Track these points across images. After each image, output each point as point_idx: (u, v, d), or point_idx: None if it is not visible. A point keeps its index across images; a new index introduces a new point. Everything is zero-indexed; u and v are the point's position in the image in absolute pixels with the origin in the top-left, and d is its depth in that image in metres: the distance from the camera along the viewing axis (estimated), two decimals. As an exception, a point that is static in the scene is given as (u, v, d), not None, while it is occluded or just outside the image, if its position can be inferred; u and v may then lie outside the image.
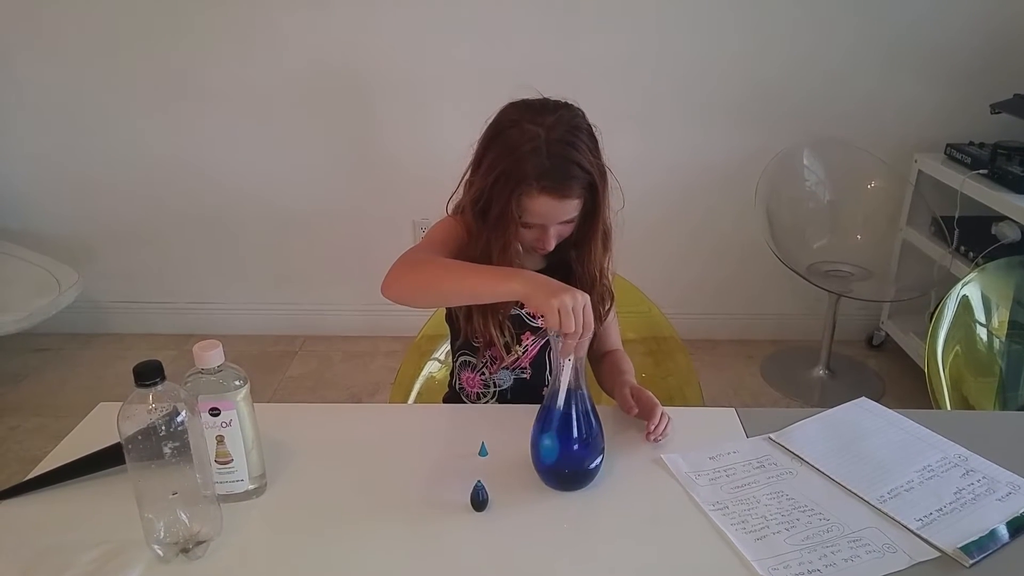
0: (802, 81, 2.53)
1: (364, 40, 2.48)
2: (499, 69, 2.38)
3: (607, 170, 1.15)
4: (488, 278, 1.04)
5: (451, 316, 1.31)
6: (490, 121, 1.16)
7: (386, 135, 2.63)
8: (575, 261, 1.24)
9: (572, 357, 0.95)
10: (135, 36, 2.48)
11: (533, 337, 1.26)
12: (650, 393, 1.14)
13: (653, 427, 1.08)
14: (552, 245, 1.17)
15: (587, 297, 0.95)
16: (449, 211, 1.25)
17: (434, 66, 2.51)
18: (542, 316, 0.96)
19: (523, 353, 1.27)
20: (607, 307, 1.29)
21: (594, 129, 1.15)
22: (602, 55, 2.48)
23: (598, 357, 1.36)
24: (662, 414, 1.10)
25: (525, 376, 1.29)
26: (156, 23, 2.46)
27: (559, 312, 0.92)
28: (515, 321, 1.24)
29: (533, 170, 1.08)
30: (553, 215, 1.13)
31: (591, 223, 1.18)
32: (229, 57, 2.51)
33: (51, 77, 2.53)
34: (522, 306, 1.24)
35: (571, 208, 1.13)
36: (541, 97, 1.15)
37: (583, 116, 1.15)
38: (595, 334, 1.29)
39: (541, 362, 1.29)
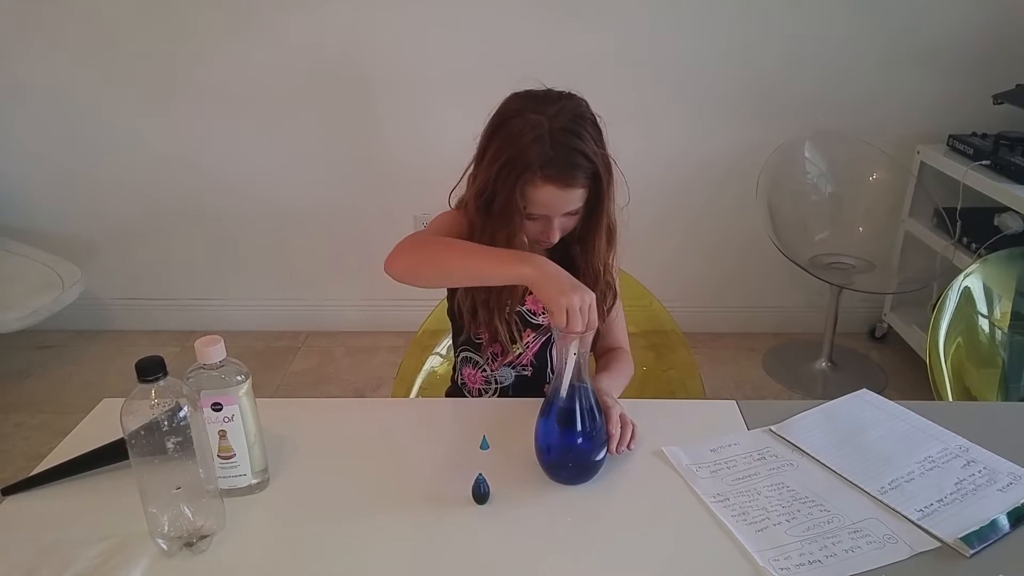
0: (803, 73, 2.52)
1: (363, 36, 2.48)
2: (498, 64, 2.38)
3: (613, 162, 1.14)
4: (497, 259, 1.03)
5: (453, 311, 1.30)
6: (493, 112, 1.14)
7: (386, 130, 2.63)
8: (579, 256, 1.23)
9: (576, 351, 0.95)
10: (136, 34, 2.48)
11: (534, 335, 1.26)
12: (611, 401, 1.07)
13: (614, 445, 1.01)
14: (556, 238, 1.16)
15: (593, 296, 0.95)
16: (451, 204, 1.24)
17: (433, 62, 2.51)
18: (546, 311, 0.94)
19: (525, 349, 1.27)
20: (609, 304, 1.28)
21: (599, 120, 1.14)
22: (601, 49, 2.48)
23: (599, 354, 1.35)
24: (623, 425, 1.04)
25: (527, 373, 1.29)
26: (156, 20, 2.46)
27: (567, 312, 0.92)
28: (516, 318, 1.24)
29: (537, 158, 1.07)
30: (557, 205, 1.12)
31: (595, 216, 1.17)
32: (229, 54, 2.51)
33: (52, 75, 2.54)
34: (524, 303, 1.24)
35: (575, 198, 1.12)
36: (545, 88, 1.15)
37: (587, 106, 1.14)
38: (597, 331, 1.30)
39: (542, 359, 1.29)
